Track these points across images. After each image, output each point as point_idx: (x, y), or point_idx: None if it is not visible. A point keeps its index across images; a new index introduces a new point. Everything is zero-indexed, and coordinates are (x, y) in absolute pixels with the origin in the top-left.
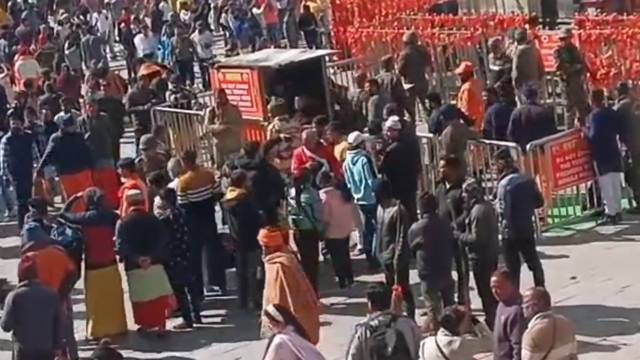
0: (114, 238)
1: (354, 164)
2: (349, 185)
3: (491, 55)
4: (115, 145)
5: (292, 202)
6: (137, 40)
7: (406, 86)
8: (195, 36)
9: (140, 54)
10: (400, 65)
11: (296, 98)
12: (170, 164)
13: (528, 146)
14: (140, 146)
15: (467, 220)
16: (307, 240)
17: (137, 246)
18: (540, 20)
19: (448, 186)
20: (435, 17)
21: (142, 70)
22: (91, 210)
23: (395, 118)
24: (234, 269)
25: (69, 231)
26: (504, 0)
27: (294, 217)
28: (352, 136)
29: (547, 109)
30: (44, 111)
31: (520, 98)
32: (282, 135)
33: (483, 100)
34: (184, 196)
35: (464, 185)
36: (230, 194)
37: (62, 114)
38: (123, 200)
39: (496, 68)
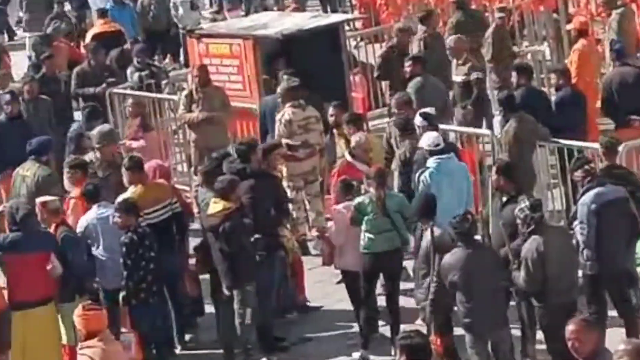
0: (49, 267)
1: (445, 173)
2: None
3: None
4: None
5: (369, 216)
6: None
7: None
8: None
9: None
10: (448, 35)
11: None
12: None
13: (621, 147)
14: (94, 142)
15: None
16: (393, 264)
17: (85, 268)
18: None
19: (504, 200)
20: None
21: (98, 27)
22: (14, 231)
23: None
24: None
25: None
26: None
27: (372, 236)
28: (432, 137)
29: None
30: None
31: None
32: (284, 141)
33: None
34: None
35: (515, 211)
36: (214, 208)
37: None
38: (68, 214)
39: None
